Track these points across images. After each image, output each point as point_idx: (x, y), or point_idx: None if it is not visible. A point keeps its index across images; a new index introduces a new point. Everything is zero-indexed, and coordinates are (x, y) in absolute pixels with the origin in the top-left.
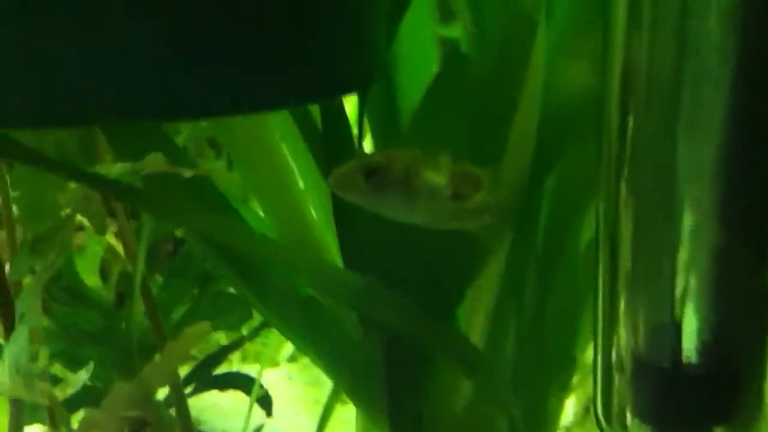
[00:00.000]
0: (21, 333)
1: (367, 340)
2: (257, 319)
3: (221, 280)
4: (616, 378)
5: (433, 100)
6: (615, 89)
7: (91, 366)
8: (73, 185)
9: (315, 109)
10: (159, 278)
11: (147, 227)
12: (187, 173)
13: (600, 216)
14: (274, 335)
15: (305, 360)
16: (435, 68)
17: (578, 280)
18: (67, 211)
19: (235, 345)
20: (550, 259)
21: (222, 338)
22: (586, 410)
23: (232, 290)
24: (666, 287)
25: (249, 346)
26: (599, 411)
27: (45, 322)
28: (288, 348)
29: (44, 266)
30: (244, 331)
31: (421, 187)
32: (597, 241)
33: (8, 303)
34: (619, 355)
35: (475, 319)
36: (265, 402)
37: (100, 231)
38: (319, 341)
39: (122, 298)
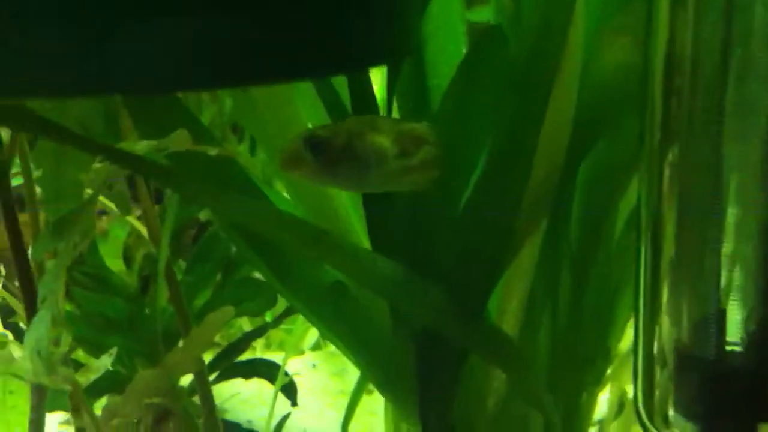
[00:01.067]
0: (43, 317)
1: (398, 331)
2: (281, 305)
3: (245, 265)
4: (658, 371)
5: (465, 75)
6: (658, 74)
7: (114, 351)
8: (96, 165)
9: (343, 90)
10: (182, 264)
11: (171, 211)
12: (213, 151)
13: (642, 206)
14: (299, 322)
15: (330, 348)
16: (463, 48)
17: (613, 270)
18: (90, 191)
19: (259, 331)
20: (584, 249)
21: (245, 325)
22: (621, 404)
23: (257, 275)
24: (710, 278)
25: (272, 334)
26: (640, 405)
27: (68, 306)
28: (312, 336)
29: (67, 248)
30: (268, 318)
31: (367, 151)
32: (639, 232)
33: (31, 287)
34: (661, 348)
35: (508, 311)
36: (290, 390)
37: (125, 211)
38: (347, 331)
39: (146, 283)
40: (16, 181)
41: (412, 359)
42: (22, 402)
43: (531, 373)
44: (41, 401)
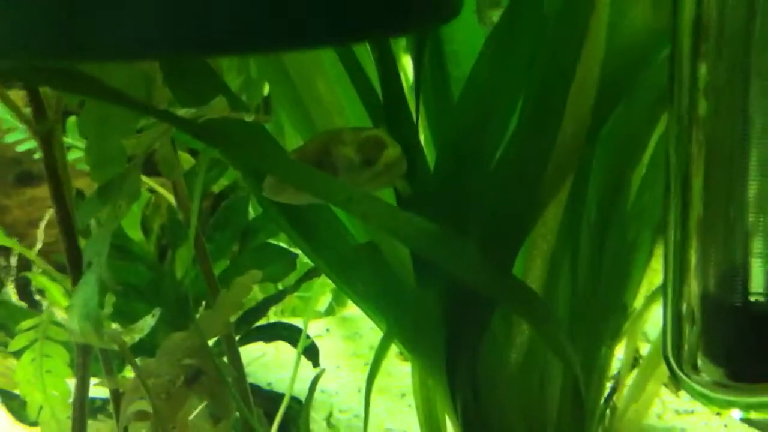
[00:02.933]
0: (90, 279)
1: (425, 288)
2: (296, 273)
3: (263, 233)
4: (687, 321)
5: (501, 33)
6: (686, 36)
7: (157, 312)
8: (140, 128)
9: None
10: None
11: (200, 177)
12: (248, 117)
13: (671, 165)
14: (314, 288)
15: (343, 313)
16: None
17: (629, 230)
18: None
19: (278, 296)
20: (604, 208)
21: (257, 294)
22: (635, 360)
23: (274, 242)
24: (737, 233)
25: (286, 300)
26: (669, 355)
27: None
28: (325, 301)
29: (112, 212)
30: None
31: (335, 165)
32: (667, 191)
33: (76, 250)
34: (689, 299)
35: (532, 268)
36: (312, 352)
37: (170, 175)
38: (376, 290)
39: (164, 251)
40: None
41: (439, 316)
42: (58, 365)
43: (555, 324)
44: (87, 361)
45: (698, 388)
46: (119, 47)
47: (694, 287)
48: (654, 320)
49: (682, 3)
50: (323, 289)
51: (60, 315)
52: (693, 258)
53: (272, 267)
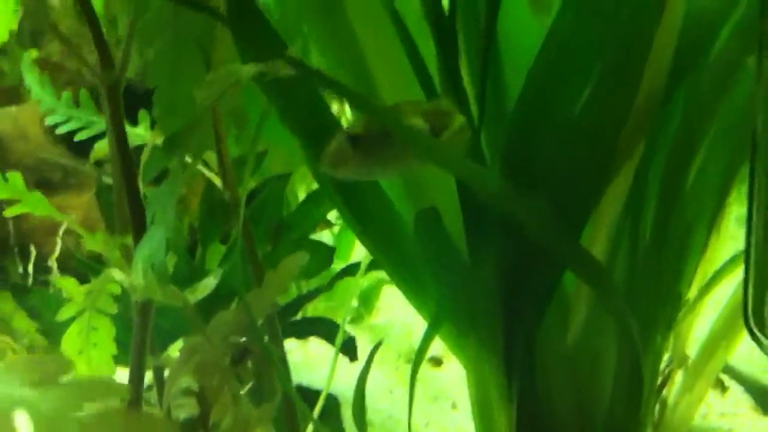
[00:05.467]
0: (156, 231)
1: (478, 267)
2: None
3: (298, 228)
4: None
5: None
6: None
7: (221, 271)
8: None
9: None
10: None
11: (250, 166)
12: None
13: (758, 139)
14: (339, 293)
15: (369, 322)
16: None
17: (689, 212)
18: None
19: (314, 293)
20: (670, 183)
21: (291, 291)
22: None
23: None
24: None
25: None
26: (751, 320)
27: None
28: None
29: (179, 165)
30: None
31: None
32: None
33: (139, 208)
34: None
35: (597, 238)
36: (350, 347)
37: (240, 125)
38: (428, 267)
39: (194, 248)
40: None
41: (495, 295)
42: (104, 340)
43: (620, 298)
44: (146, 321)
45: None
46: None
47: None
48: (706, 314)
49: None
50: (349, 295)
51: (118, 275)
52: None
53: (308, 261)
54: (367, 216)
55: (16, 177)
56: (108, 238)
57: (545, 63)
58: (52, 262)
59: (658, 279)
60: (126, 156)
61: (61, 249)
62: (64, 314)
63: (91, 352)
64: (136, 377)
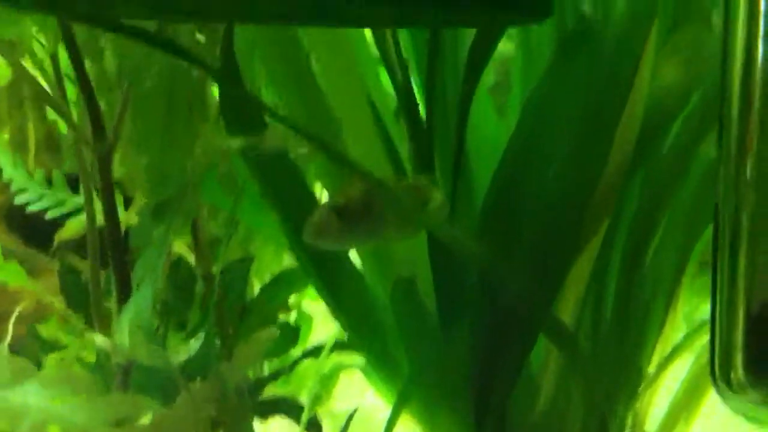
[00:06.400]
0: (144, 293)
1: (451, 340)
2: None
3: (259, 311)
4: (736, 337)
5: (557, 70)
6: (735, 93)
7: (202, 336)
8: (200, 150)
9: None
10: None
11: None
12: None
13: (720, 204)
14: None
15: (328, 407)
16: None
17: (647, 290)
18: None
19: (277, 374)
20: (632, 256)
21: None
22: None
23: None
24: None
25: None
26: (717, 373)
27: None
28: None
29: (167, 231)
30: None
31: (383, 212)
32: (716, 230)
33: (124, 269)
34: (737, 316)
35: (564, 309)
36: (314, 426)
37: (231, 192)
38: (408, 335)
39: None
40: None
41: (469, 365)
42: None
43: (585, 363)
44: (127, 380)
45: (745, 405)
46: None
47: (741, 300)
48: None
49: (732, 60)
50: (308, 379)
51: (99, 339)
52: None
53: (274, 342)
54: (340, 290)
55: None
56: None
57: (519, 137)
58: (3, 348)
59: (621, 352)
60: (116, 223)
61: (12, 335)
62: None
63: None
64: None
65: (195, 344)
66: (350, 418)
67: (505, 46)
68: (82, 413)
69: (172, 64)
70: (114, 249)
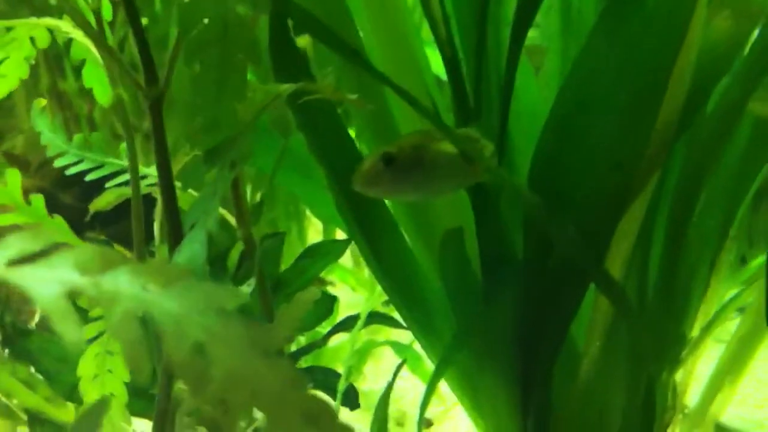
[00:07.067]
0: (197, 235)
1: (495, 303)
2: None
3: (293, 285)
4: None
5: (606, 27)
6: None
7: (253, 282)
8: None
9: None
10: None
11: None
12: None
13: None
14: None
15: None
16: None
17: (692, 252)
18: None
19: (312, 346)
20: (676, 221)
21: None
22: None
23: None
24: None
25: None
26: None
27: None
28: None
29: (221, 173)
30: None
31: (435, 162)
32: None
33: (176, 219)
34: None
35: (612, 266)
36: (350, 396)
37: (285, 133)
38: (446, 292)
39: None
40: None
41: (513, 329)
42: (119, 366)
43: (632, 313)
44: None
45: None
46: None
47: None
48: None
49: None
50: (342, 353)
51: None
52: None
53: (309, 312)
54: (385, 253)
55: (38, 201)
56: None
57: (570, 93)
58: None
59: (665, 315)
60: (168, 166)
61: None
62: (88, 333)
63: (105, 377)
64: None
65: (247, 290)
66: (398, 369)
67: None
68: (175, 302)
69: (224, 12)
70: (166, 193)
